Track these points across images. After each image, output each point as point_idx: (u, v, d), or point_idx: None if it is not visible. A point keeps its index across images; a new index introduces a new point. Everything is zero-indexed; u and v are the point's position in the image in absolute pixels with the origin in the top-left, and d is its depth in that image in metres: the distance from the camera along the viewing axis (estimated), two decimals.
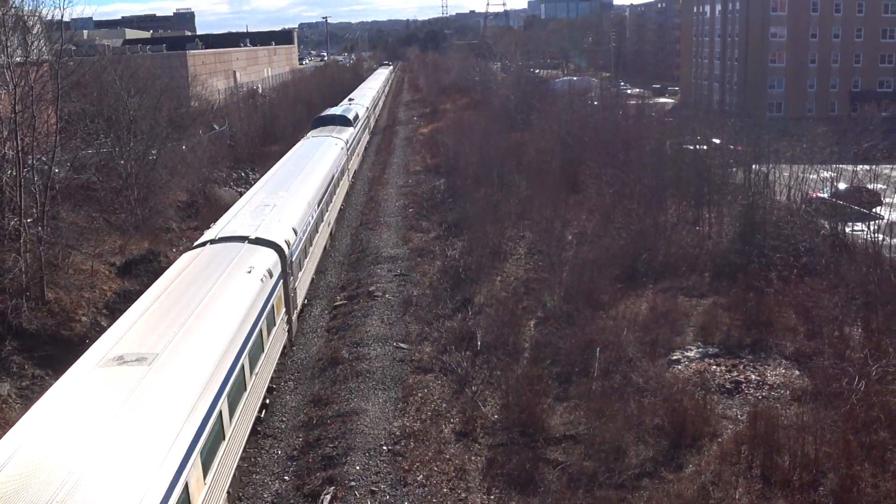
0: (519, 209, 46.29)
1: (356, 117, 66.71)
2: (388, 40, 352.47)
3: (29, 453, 13.34)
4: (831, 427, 21.18)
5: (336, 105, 79.23)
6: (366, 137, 78.73)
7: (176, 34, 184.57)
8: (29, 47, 36.24)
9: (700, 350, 27.75)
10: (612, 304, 31.46)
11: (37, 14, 39.81)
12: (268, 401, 25.02)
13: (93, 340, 20.12)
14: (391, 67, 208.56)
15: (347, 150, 54.62)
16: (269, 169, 46.06)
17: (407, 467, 21.42)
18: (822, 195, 41.83)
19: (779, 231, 36.36)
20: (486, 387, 25.71)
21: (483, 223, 41.69)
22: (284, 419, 24.95)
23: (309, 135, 57.21)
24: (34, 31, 38.61)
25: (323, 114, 67.59)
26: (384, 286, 36.24)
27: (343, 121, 62.33)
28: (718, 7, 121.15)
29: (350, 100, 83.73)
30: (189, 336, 18.93)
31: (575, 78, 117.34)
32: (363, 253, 42.50)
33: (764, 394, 24.54)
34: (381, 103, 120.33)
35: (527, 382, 24.98)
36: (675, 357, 27.20)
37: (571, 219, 43.26)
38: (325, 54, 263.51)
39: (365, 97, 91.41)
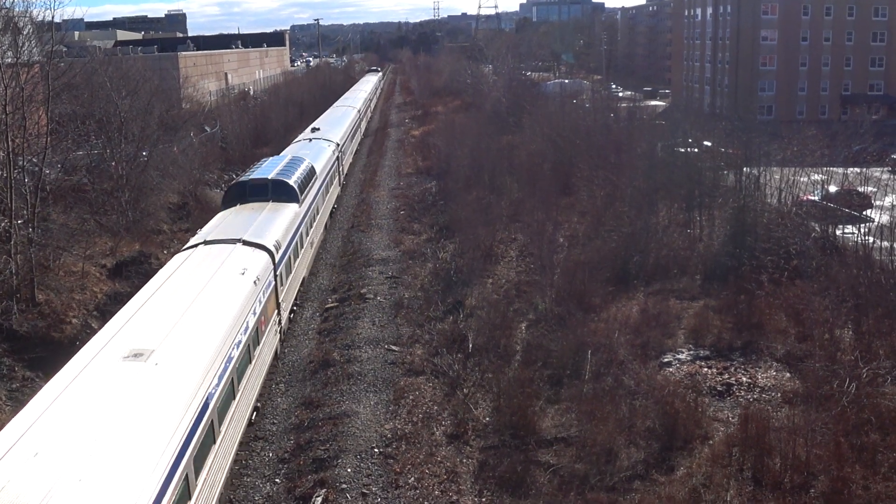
0: (510, 211, 46.33)
1: (309, 178, 39.80)
2: (380, 42, 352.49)
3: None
4: (822, 429, 21.23)
5: (284, 148, 54.70)
6: (334, 193, 51.96)
7: (167, 36, 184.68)
8: (19, 48, 36.15)
9: (691, 352, 27.82)
10: (604, 307, 31.50)
11: (27, 15, 39.75)
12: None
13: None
14: (380, 74, 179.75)
15: (277, 265, 28.60)
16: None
17: (398, 470, 21.40)
18: (812, 198, 41.98)
19: (769, 234, 36.46)
20: (478, 389, 25.69)
21: (474, 225, 41.70)
22: (276, 421, 24.88)
23: (204, 233, 30.19)
24: (25, 33, 38.54)
25: (247, 177, 37.40)
26: (375, 288, 36.20)
27: (280, 191, 35.20)
28: (710, 10, 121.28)
29: (314, 131, 58.36)
30: None
31: (566, 80, 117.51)
32: (355, 255, 42.44)
33: (755, 396, 24.61)
34: (365, 122, 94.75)
35: (518, 385, 24.98)
36: (666, 359, 27.26)
37: (563, 221, 43.29)
38: (311, 59, 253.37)
39: (338, 124, 66.15)
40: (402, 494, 20.41)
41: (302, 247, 35.36)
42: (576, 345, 27.15)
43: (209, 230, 30.33)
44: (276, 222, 31.67)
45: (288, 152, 48.47)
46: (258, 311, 24.65)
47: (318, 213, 41.80)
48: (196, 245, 27.98)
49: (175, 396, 16.89)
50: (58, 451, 14.18)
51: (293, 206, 34.67)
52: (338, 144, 56.07)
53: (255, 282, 24.94)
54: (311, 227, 38.93)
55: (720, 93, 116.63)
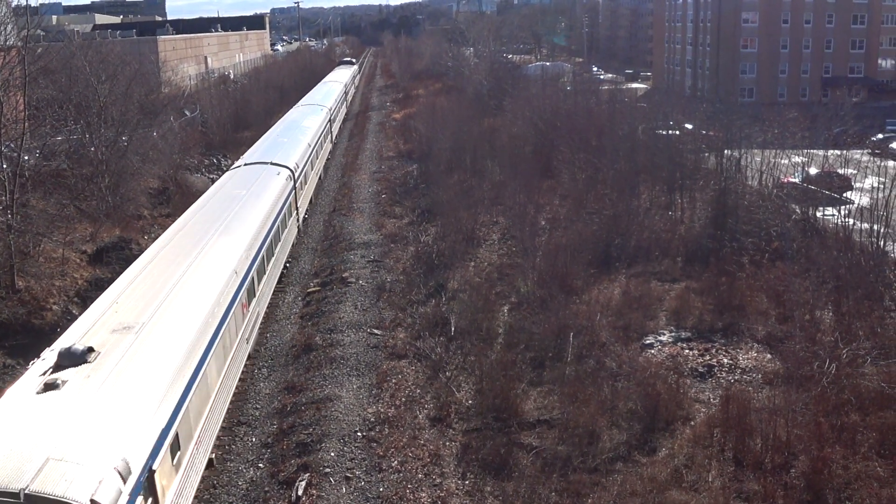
0: (492, 194, 46.27)
1: None
2: (361, 25, 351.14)
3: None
4: (802, 410, 21.38)
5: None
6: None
7: (146, 19, 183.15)
8: None
9: (673, 334, 27.92)
10: (586, 289, 31.56)
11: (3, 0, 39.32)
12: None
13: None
14: (354, 67, 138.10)
15: None
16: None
17: (381, 453, 21.40)
18: (793, 180, 42.14)
19: (751, 216, 36.63)
20: (460, 372, 25.72)
21: (456, 209, 41.64)
22: (258, 406, 24.83)
23: None
24: (1, 16, 38.13)
25: None
26: (357, 272, 36.13)
27: None
28: None
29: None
30: None
31: (548, 63, 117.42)
32: (336, 239, 42.32)
33: (736, 377, 24.74)
34: (317, 174, 52.17)
35: (501, 368, 25.01)
36: (648, 341, 27.35)
37: (544, 204, 43.31)
38: (280, 46, 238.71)
39: (220, 258, 24.20)
40: (385, 478, 20.43)
41: None
42: (558, 327, 27.20)
43: None
44: None
45: None
46: None
47: None
48: None
49: None
50: None
51: None
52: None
53: None
54: None
55: (701, 75, 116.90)
